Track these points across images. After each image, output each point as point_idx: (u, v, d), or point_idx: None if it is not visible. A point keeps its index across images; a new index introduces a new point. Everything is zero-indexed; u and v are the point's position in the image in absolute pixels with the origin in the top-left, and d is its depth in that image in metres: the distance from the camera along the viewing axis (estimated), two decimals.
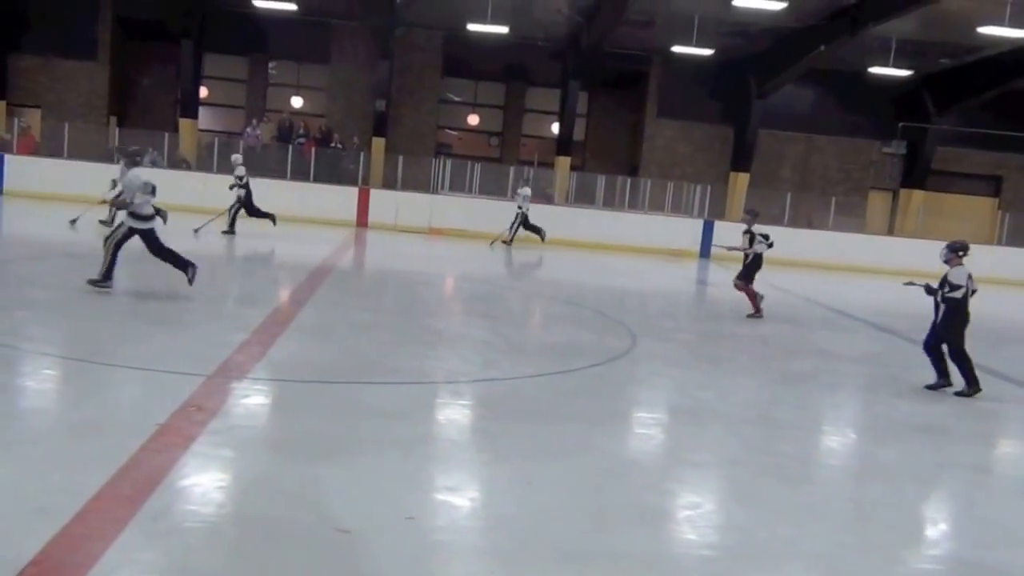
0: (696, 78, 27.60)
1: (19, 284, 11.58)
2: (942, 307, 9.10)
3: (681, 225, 24.69)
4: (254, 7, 24.14)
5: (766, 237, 13.00)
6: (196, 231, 17.48)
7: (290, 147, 25.74)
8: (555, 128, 29.00)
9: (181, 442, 5.82)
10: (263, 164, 24.45)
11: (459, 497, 5.42)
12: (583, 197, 26.85)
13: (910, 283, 9.54)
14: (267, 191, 20.87)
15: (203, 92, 28.04)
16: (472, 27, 24.26)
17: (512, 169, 26.13)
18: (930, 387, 9.37)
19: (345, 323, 10.70)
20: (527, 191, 22.02)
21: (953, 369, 9.27)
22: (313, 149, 25.88)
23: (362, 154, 25.92)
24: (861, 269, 23.39)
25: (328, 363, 8.49)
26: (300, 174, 24.85)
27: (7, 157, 22.70)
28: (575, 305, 13.86)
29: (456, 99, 30.38)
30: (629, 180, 27.34)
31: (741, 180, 27.78)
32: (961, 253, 9.08)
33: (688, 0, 22.65)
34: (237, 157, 19.44)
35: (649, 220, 24.75)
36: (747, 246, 13.02)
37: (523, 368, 9.09)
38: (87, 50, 26.71)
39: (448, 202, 23.94)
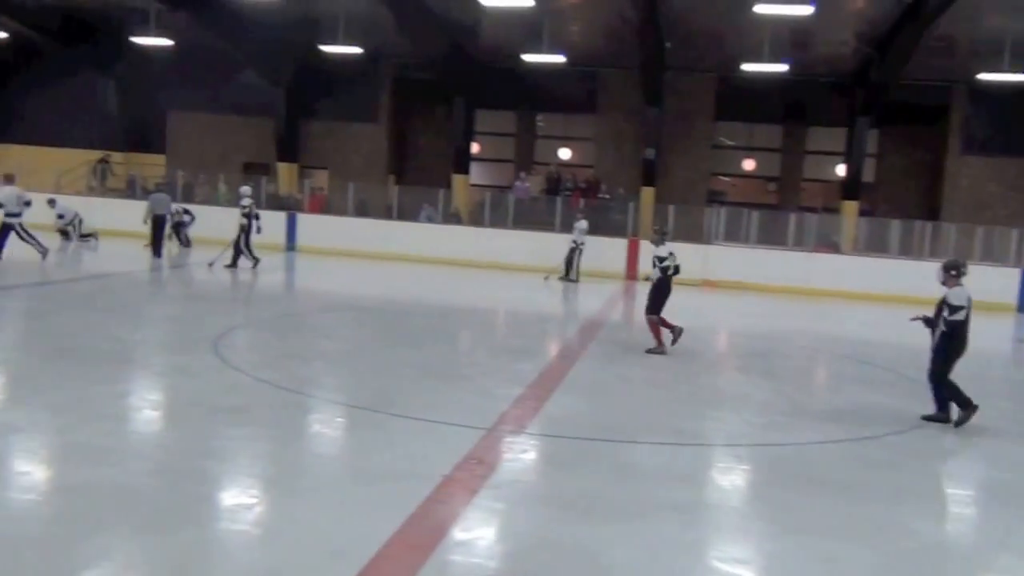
0: (1008, 108, 25.69)
1: (313, 335, 12.73)
2: (938, 331, 8.91)
3: (994, 275, 22.91)
4: (523, 62, 25.32)
5: None
6: (210, 265, 18.55)
7: (558, 199, 26.56)
8: (840, 170, 27.98)
9: (464, 494, 6.16)
10: (532, 216, 25.41)
11: (748, 571, 5.33)
12: (875, 245, 25.61)
13: (916, 319, 9.15)
14: (536, 243, 21.67)
15: (474, 148, 29.64)
16: (747, 67, 24.08)
17: (793, 217, 25.45)
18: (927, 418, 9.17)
19: (619, 379, 10.85)
20: (584, 224, 21.58)
21: None
22: (581, 200, 26.56)
23: (631, 204, 26.28)
24: None
25: (604, 420, 8.66)
26: (568, 226, 25.54)
27: (299, 215, 25.09)
28: (866, 364, 13.23)
29: (730, 144, 30.14)
30: (930, 225, 25.76)
31: None
32: (954, 272, 8.91)
33: (997, 20, 21.26)
34: (245, 188, 20.17)
35: None
36: None
37: (810, 433, 8.80)
38: (369, 114, 29.13)
39: (723, 252, 23.70)
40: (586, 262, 22.07)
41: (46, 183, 26.32)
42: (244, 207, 19.05)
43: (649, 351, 12.12)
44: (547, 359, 12.20)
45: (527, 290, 19.57)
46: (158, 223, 20.13)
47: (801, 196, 29.31)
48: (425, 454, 6.99)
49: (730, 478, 7.33)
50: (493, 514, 5.93)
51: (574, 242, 21.43)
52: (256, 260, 19.18)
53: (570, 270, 21.25)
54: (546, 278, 21.02)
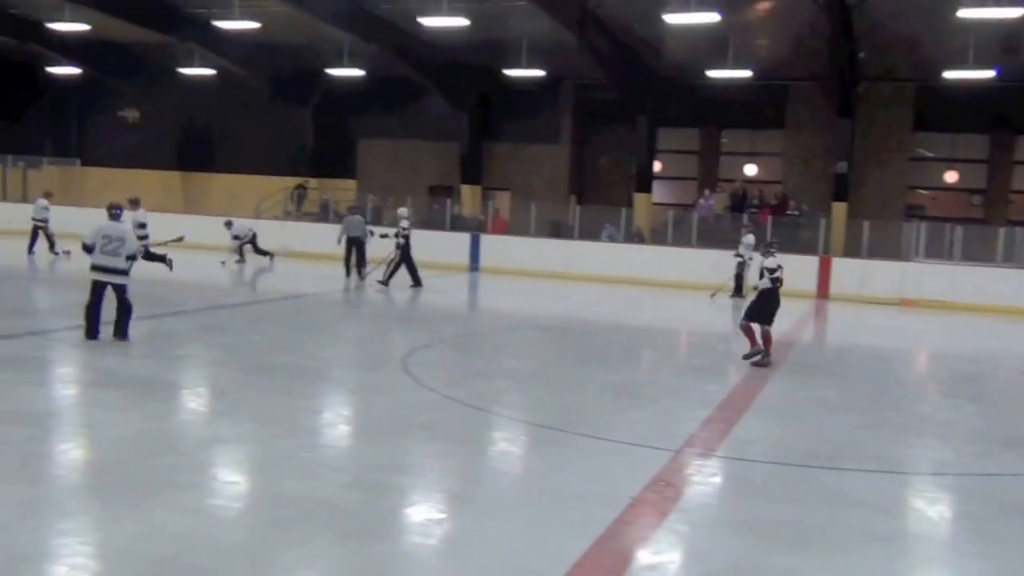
0: None
1: (497, 354, 12.94)
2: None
3: None
4: (707, 79, 24.98)
5: None
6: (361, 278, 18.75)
7: (744, 216, 25.99)
8: None
9: (653, 517, 6.09)
10: (716, 235, 24.95)
11: None
12: None
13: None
14: (720, 261, 21.23)
15: (656, 166, 29.42)
16: (949, 75, 22.89)
17: (1002, 231, 23.92)
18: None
19: (811, 402, 10.47)
20: (751, 239, 20.48)
21: None
22: (769, 217, 25.89)
23: (822, 220, 25.40)
24: None
25: (797, 444, 8.37)
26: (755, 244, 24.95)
27: (482, 236, 25.62)
28: None
29: (930, 155, 28.67)
30: None
31: None
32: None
33: None
34: (403, 210, 20.39)
35: None
36: None
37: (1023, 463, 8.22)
38: (551, 134, 29.45)
39: (923, 270, 22.51)
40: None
41: (247, 208, 27.94)
42: (404, 228, 19.54)
43: (756, 363, 11.91)
44: (734, 380, 11.91)
45: (711, 309, 19.22)
46: (352, 245, 20.89)
47: (1010, 209, 27.53)
48: (612, 475, 6.96)
49: (937, 508, 6.92)
50: (682, 538, 5.83)
51: (740, 255, 20.91)
52: (418, 282, 19.54)
53: (741, 287, 20.76)
54: (712, 295, 20.60)
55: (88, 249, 11.02)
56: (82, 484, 6.38)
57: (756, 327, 11.93)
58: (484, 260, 24.94)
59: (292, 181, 30.53)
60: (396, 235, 19.47)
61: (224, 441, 7.56)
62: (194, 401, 9.29)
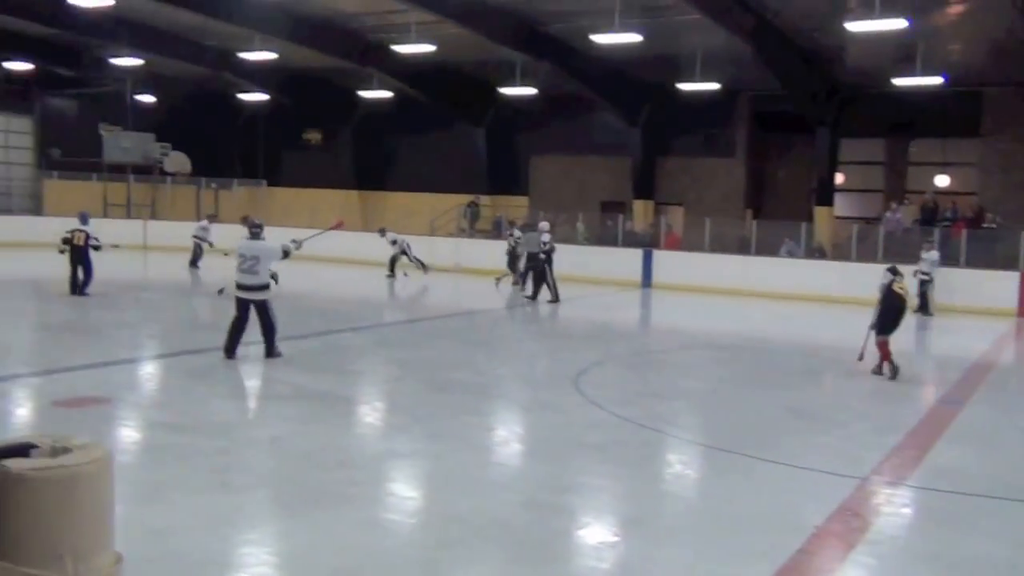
0: None
1: (671, 373, 12.73)
2: None
3: None
4: (893, 87, 23.92)
5: None
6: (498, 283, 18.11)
7: (936, 229, 24.68)
8: None
9: (839, 549, 5.80)
10: (905, 249, 23.77)
11: None
12: None
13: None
14: (909, 277, 20.23)
15: (839, 178, 28.37)
16: None
17: None
18: None
19: (1014, 429, 9.76)
20: (934, 255, 19.35)
21: None
22: (964, 231, 24.48)
23: (1022, 234, 23.81)
24: None
25: (1000, 475, 7.80)
26: (948, 258, 23.63)
27: (655, 252, 25.34)
28: None
29: None
30: None
31: None
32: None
33: None
34: (544, 224, 20.66)
35: None
36: None
37: None
38: (726, 148, 28.88)
39: None
40: (967, 297, 20.27)
41: (422, 226, 28.66)
42: (544, 243, 19.64)
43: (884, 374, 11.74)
44: (927, 404, 11.29)
45: (901, 329, 18.28)
46: (529, 260, 21.16)
47: None
48: (793, 502, 6.68)
49: None
50: (870, 571, 5.54)
51: (925, 274, 19.81)
52: (534, 295, 19.66)
53: (926, 304, 19.65)
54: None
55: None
56: (266, 495, 6.63)
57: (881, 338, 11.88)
58: (657, 276, 24.64)
59: (465, 198, 31.13)
60: (544, 251, 19.66)
61: (400, 456, 7.71)
62: (371, 415, 9.55)
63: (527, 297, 19.66)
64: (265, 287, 11.18)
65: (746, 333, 17.42)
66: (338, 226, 13.98)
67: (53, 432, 2.03)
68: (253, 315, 11.22)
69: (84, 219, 17.61)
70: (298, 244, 11.47)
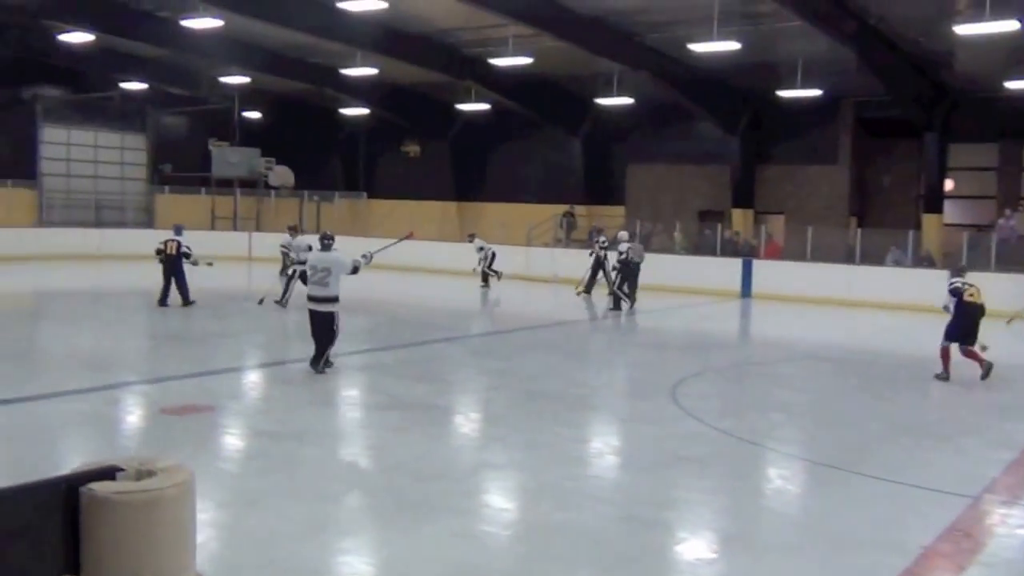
0: None
1: (771, 385, 12.44)
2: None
3: None
4: (1006, 90, 23.06)
5: None
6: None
7: None
8: None
9: (949, 570, 5.60)
10: (1019, 257, 22.87)
11: None
12: None
13: None
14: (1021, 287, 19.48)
15: (948, 185, 27.46)
16: None
17: None
18: None
19: None
20: None
21: None
22: None
23: None
24: None
25: None
26: None
27: (754, 262, 24.89)
28: None
29: None
30: None
31: None
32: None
33: None
34: (624, 234, 20.97)
35: None
36: None
37: None
38: (828, 155, 28.20)
39: None
40: None
41: (519, 237, 28.73)
42: (621, 252, 19.63)
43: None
44: None
45: (1011, 337, 17.57)
46: (624, 268, 21.22)
47: None
48: (900, 521, 6.45)
49: None
50: None
51: None
52: (633, 301, 19.66)
53: None
54: (1009, 322, 18.72)
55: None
56: (363, 504, 6.71)
57: (961, 347, 12.09)
58: (757, 286, 24.20)
59: (561, 208, 31.13)
60: (619, 260, 19.67)
61: (495, 467, 7.72)
62: (467, 426, 9.58)
63: (626, 305, 19.56)
64: (335, 299, 11.02)
65: (850, 344, 16.96)
66: (409, 236, 13.49)
67: (139, 455, 2.11)
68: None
69: (178, 231, 17.87)
70: (368, 258, 11.41)
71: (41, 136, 32.31)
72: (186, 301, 17.17)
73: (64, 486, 2.16)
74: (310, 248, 20.30)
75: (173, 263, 17.08)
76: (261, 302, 17.70)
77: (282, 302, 17.75)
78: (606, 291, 20.77)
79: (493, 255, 24.04)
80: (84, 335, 14.49)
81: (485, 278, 23.85)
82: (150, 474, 2.16)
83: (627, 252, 19.70)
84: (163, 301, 17.06)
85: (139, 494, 2.17)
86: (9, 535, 1.86)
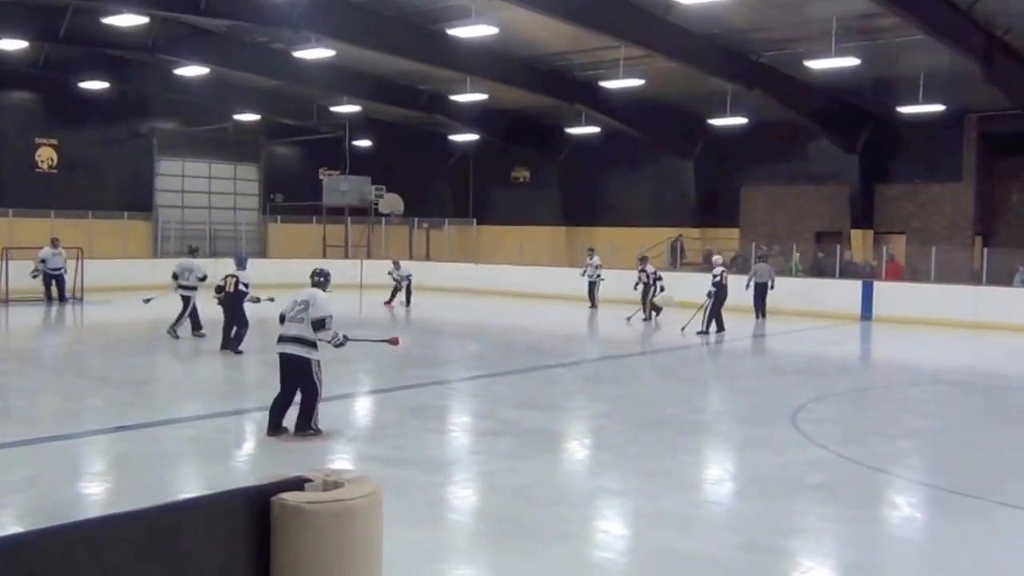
0: None
1: (896, 410, 12.12)
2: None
3: None
4: None
5: None
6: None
7: None
8: None
9: None
10: None
11: None
12: None
13: None
14: None
15: None
16: None
17: None
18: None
19: None
20: None
21: None
22: None
23: None
24: None
25: None
26: None
27: (875, 283, 24.26)
28: None
29: None
30: None
31: None
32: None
33: None
34: (718, 258, 20.70)
35: None
36: None
37: None
38: (952, 172, 27.36)
39: None
40: None
41: (629, 260, 28.60)
42: (715, 276, 19.39)
43: None
44: None
45: None
46: (757, 291, 21.86)
47: None
48: None
49: None
50: None
51: None
52: (721, 329, 19.37)
53: None
54: None
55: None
56: (480, 530, 6.79)
57: None
58: (878, 309, 23.57)
59: (674, 231, 30.96)
60: (714, 283, 19.41)
61: (612, 494, 7.72)
62: (581, 452, 9.59)
63: (699, 332, 19.24)
64: (313, 344, 8.99)
65: (978, 368, 16.40)
66: (393, 342, 10.66)
67: (322, 468, 2.18)
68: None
69: (240, 263, 15.53)
70: (342, 339, 9.20)
71: (157, 169, 33.76)
72: (236, 347, 14.73)
73: (255, 495, 2.21)
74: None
75: (232, 301, 14.75)
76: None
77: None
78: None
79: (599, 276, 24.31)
80: (201, 365, 14.82)
81: (592, 298, 23.94)
82: (337, 485, 2.21)
83: (721, 276, 19.49)
84: (225, 344, 14.85)
85: (330, 504, 2.20)
86: (202, 544, 1.95)
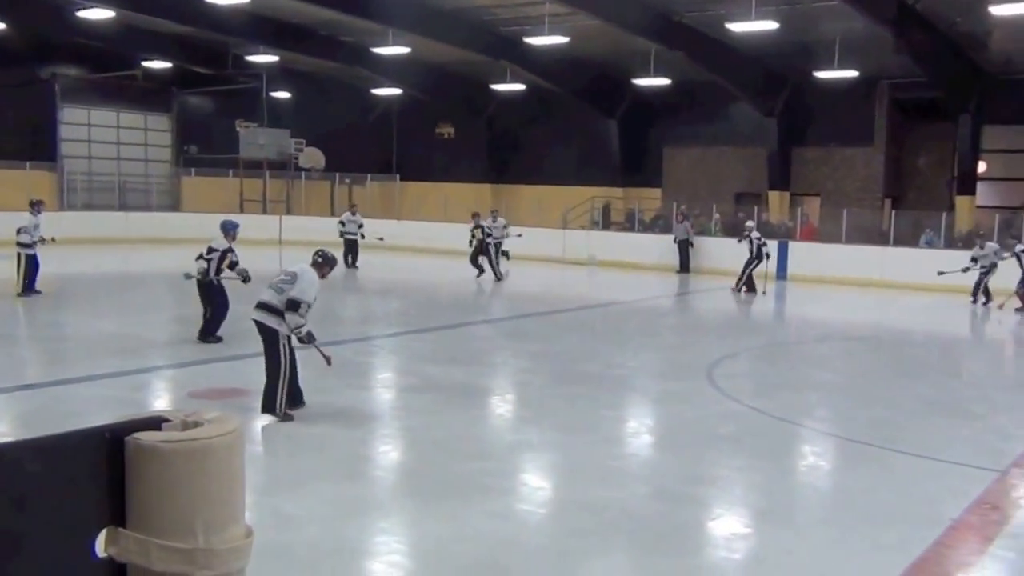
0: None
1: (805, 365, 12.62)
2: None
3: None
4: None
5: None
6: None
7: None
8: None
9: (976, 542, 5.77)
10: None
11: None
12: None
13: None
14: None
15: (981, 167, 27.31)
16: None
17: None
18: None
19: None
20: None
21: None
22: None
23: None
24: None
25: None
26: None
27: (790, 244, 24.91)
28: None
29: None
30: None
31: None
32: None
33: None
34: (751, 224, 21.28)
35: None
36: None
37: None
38: (864, 137, 28.09)
39: None
40: None
41: (553, 220, 28.86)
42: (758, 238, 20.18)
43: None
44: None
45: None
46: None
47: None
48: (929, 495, 6.63)
49: None
50: (1009, 565, 5.50)
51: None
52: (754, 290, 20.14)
53: None
54: (1001, 306, 18.67)
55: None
56: (400, 484, 6.92)
57: None
58: (792, 268, 24.22)
59: (598, 191, 31.21)
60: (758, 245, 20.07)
61: (531, 447, 7.94)
62: (503, 407, 9.80)
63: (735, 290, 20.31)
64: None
65: (884, 325, 17.07)
66: (328, 360, 10.28)
67: (182, 409, 2.16)
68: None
69: (229, 229, 12.12)
70: (309, 337, 8.43)
71: (60, 117, 32.06)
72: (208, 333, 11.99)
73: (108, 435, 2.16)
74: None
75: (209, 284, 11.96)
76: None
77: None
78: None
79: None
80: (110, 320, 14.38)
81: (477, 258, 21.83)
82: (197, 424, 2.17)
83: (761, 239, 20.26)
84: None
85: (188, 443, 2.17)
86: (51, 486, 1.90)
